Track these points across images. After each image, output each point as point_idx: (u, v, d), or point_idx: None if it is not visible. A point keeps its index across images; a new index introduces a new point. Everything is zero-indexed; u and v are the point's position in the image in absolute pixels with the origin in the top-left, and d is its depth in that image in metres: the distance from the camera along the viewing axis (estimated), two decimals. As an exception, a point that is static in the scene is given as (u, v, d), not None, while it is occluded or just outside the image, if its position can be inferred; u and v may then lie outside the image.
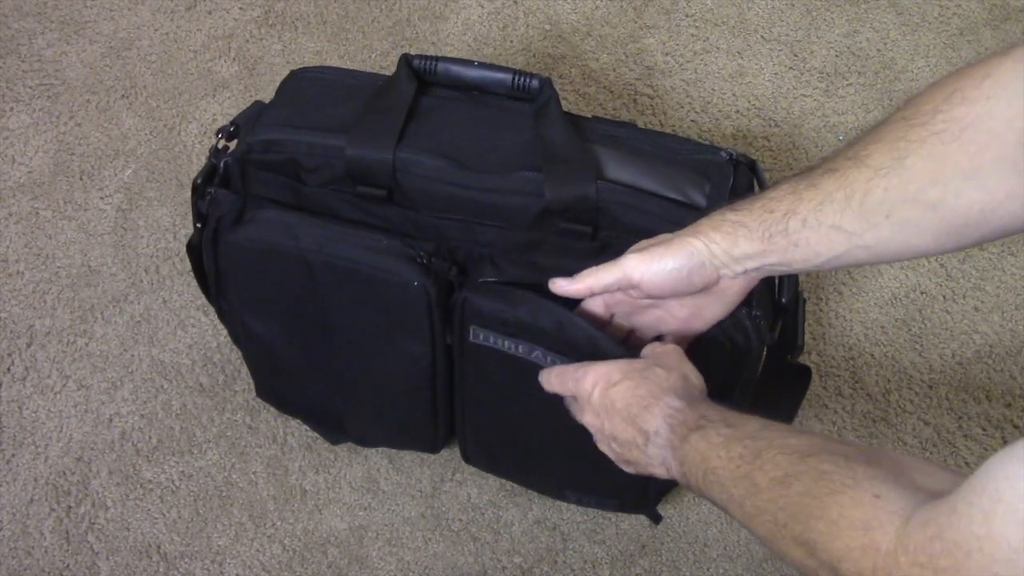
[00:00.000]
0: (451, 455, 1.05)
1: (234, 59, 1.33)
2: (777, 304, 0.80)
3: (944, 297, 1.18)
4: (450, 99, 0.84)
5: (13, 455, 1.05)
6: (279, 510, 1.03)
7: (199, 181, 0.84)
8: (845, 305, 1.17)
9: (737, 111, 1.30)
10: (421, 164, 0.79)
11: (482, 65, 0.82)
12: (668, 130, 1.28)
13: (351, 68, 0.92)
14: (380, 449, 1.05)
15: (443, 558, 1.01)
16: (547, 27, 1.38)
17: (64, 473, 1.04)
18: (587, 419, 0.74)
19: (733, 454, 0.61)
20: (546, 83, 0.81)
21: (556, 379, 0.76)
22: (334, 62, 1.32)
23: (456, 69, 0.82)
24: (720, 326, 0.75)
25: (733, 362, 0.78)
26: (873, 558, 0.48)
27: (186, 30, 1.35)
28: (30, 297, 1.13)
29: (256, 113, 0.85)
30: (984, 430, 1.08)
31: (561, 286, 0.74)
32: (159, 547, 1.01)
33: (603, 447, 0.74)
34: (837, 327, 1.15)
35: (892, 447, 1.06)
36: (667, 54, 1.36)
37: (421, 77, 0.83)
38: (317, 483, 1.04)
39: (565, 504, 1.03)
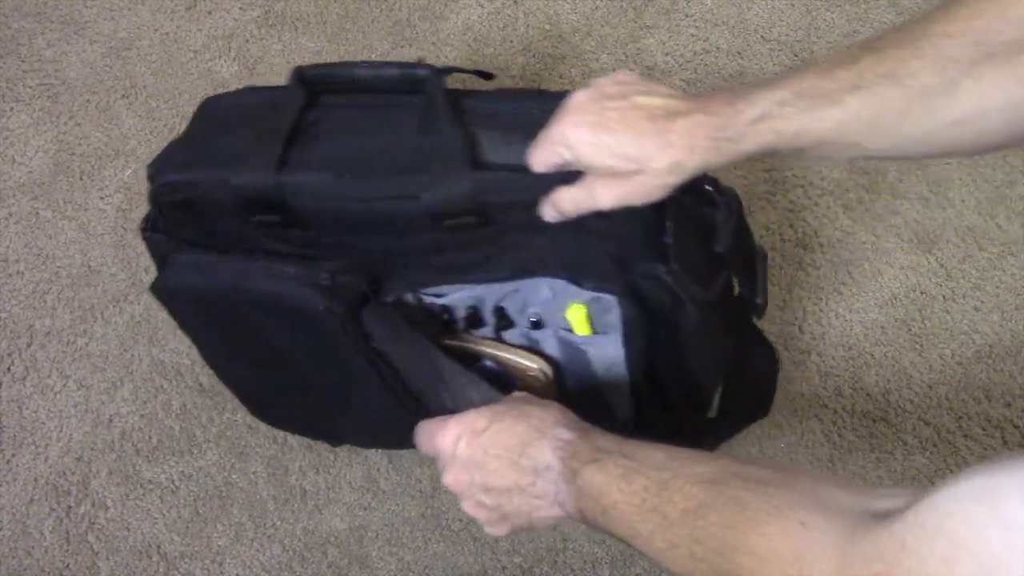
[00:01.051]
0: (451, 455, 1.05)
1: (234, 59, 1.33)
2: (713, 255, 0.73)
3: (944, 297, 1.18)
4: (341, 107, 0.79)
5: (13, 455, 1.04)
6: (279, 510, 1.03)
7: (142, 226, 0.83)
8: (845, 305, 1.17)
9: (737, 111, 1.30)
10: (308, 183, 0.74)
11: (368, 64, 0.79)
12: (668, 130, 1.28)
13: (262, 85, 0.88)
14: (380, 449, 1.05)
15: (443, 558, 1.01)
16: (547, 27, 1.38)
17: (64, 473, 1.04)
18: (450, 478, 0.67)
19: (636, 487, 0.57)
20: (431, 71, 0.76)
21: (420, 437, 0.71)
22: (333, 61, 1.32)
23: (343, 72, 0.79)
24: (638, 288, 0.72)
25: (670, 326, 0.74)
26: None
27: (186, 30, 1.35)
28: (30, 297, 1.13)
29: (168, 152, 0.82)
30: (984, 430, 1.08)
31: (547, 219, 0.70)
32: (159, 547, 1.01)
33: (470, 508, 0.67)
34: (837, 327, 1.15)
35: (892, 447, 1.06)
36: (667, 54, 1.36)
37: (313, 87, 0.79)
38: (317, 483, 1.04)
39: (565, 504, 1.03)
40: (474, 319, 0.80)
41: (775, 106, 0.60)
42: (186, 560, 1.00)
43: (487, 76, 0.82)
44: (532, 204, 0.71)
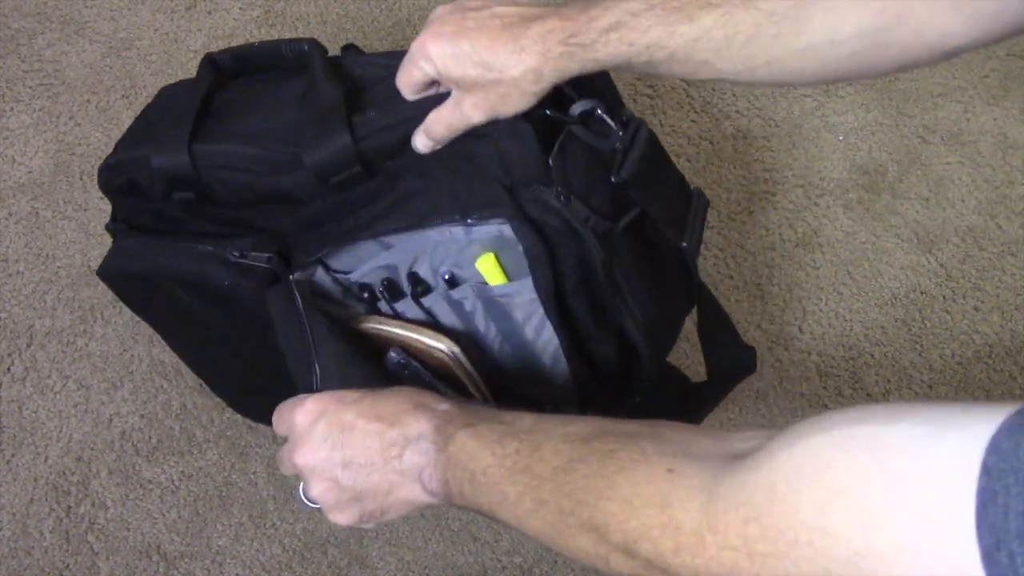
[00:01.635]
0: (451, 455, 1.05)
1: (234, 59, 1.33)
2: (618, 187, 0.71)
3: (944, 297, 1.18)
4: (246, 86, 0.81)
5: (13, 455, 1.05)
6: (279, 510, 1.03)
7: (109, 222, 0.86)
8: (845, 305, 1.17)
9: (737, 111, 1.30)
10: (211, 154, 0.76)
11: (262, 43, 0.81)
12: (667, 130, 1.28)
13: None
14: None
15: (443, 558, 1.01)
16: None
17: (64, 473, 1.04)
18: (303, 456, 0.63)
19: (509, 450, 0.56)
20: (312, 44, 0.78)
21: (276, 416, 0.68)
22: (334, 62, 1.32)
23: (242, 53, 0.81)
24: (529, 214, 0.71)
25: (573, 260, 0.72)
26: (675, 537, 0.44)
27: (186, 30, 1.35)
28: (30, 297, 1.13)
29: (119, 141, 0.85)
30: (984, 430, 1.08)
31: (420, 149, 0.70)
32: (159, 547, 1.01)
33: (319, 489, 0.63)
34: (837, 327, 1.15)
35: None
36: (667, 54, 1.36)
37: (221, 71, 0.82)
38: (317, 483, 1.04)
39: (565, 504, 1.03)
40: (392, 289, 0.79)
41: (628, 16, 0.60)
42: (186, 560, 1.00)
43: (359, 52, 0.84)
44: (408, 137, 0.71)
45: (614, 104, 0.73)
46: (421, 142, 0.70)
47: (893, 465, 0.36)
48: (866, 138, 1.29)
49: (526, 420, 0.58)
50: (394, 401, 0.63)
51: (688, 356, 1.11)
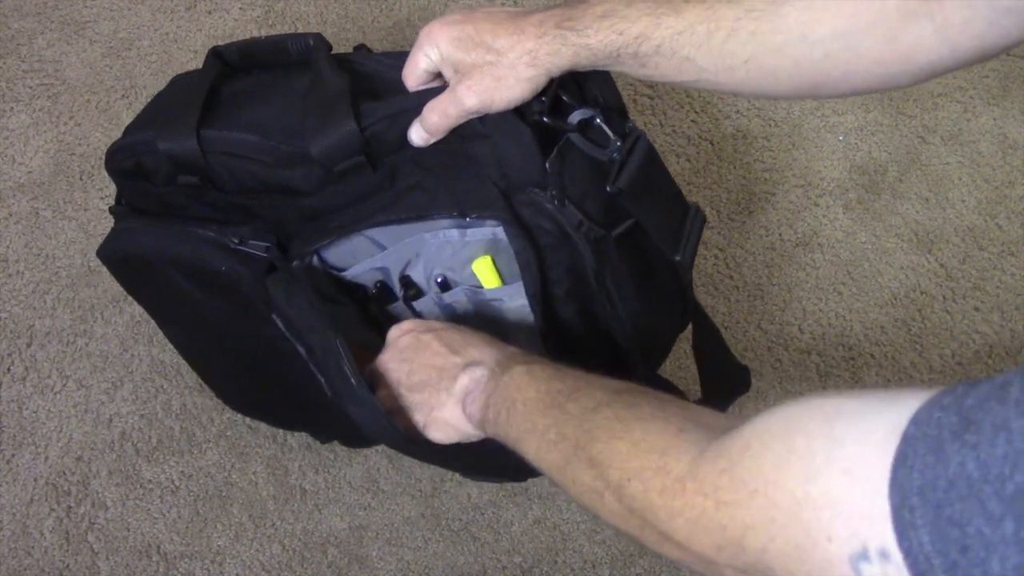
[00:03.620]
0: (451, 455, 1.05)
1: (234, 59, 1.33)
2: (614, 196, 0.71)
3: (944, 297, 1.18)
4: (254, 80, 0.82)
5: (13, 455, 1.05)
6: (279, 510, 1.03)
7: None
8: (845, 305, 1.17)
9: (737, 111, 1.30)
10: (219, 140, 0.76)
11: (269, 38, 0.82)
12: (668, 130, 1.28)
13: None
14: (380, 449, 1.05)
15: (443, 558, 1.01)
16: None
17: (64, 473, 1.04)
18: (380, 362, 0.74)
19: (552, 388, 0.61)
20: (317, 38, 0.78)
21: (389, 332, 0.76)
22: (334, 62, 1.32)
23: (248, 46, 0.82)
24: (522, 217, 0.71)
25: (565, 265, 0.73)
26: (663, 480, 0.49)
27: (186, 30, 1.35)
28: (30, 297, 1.13)
29: (127, 127, 0.85)
30: (984, 430, 1.08)
31: (416, 142, 0.71)
32: (159, 547, 1.01)
33: (382, 392, 0.72)
34: (837, 327, 1.15)
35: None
36: (667, 54, 1.36)
37: (228, 63, 0.82)
38: (317, 483, 1.04)
39: (565, 504, 1.03)
40: (384, 292, 0.80)
41: (621, 5, 0.63)
42: (186, 560, 1.00)
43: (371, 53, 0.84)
44: (406, 133, 0.71)
45: (615, 115, 0.73)
46: (416, 133, 0.71)
47: (837, 430, 0.40)
48: (866, 138, 1.29)
49: (578, 371, 0.64)
50: (470, 335, 0.71)
51: (685, 370, 1.11)
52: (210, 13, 1.36)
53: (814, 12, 0.57)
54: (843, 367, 1.12)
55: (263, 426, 1.07)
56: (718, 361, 0.85)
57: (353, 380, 0.71)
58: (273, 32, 1.35)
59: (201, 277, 0.81)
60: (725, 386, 0.86)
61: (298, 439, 1.06)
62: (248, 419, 1.07)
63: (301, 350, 0.78)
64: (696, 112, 1.30)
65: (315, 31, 1.37)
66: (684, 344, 1.03)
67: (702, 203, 1.24)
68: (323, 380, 0.76)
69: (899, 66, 0.57)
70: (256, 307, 0.80)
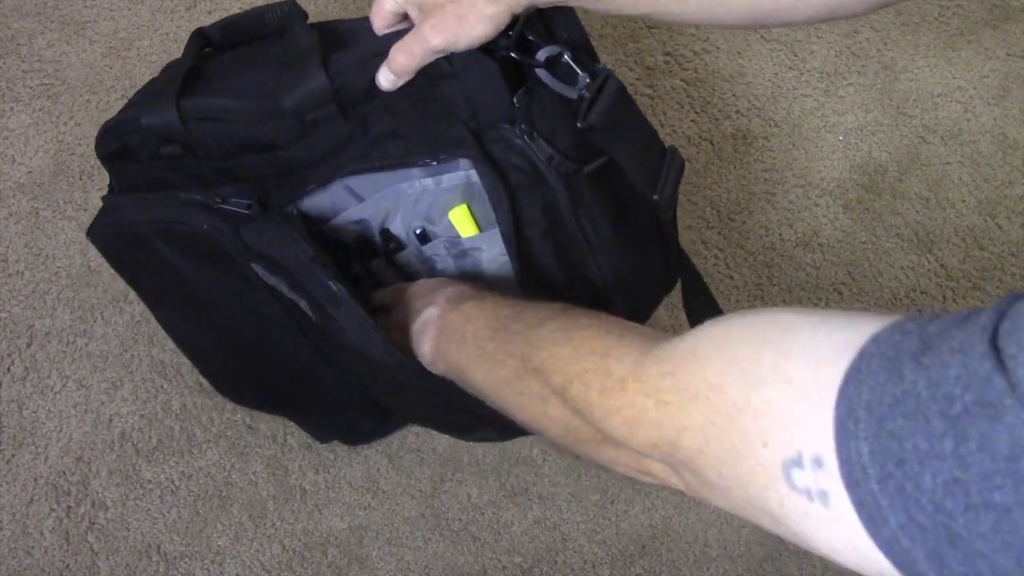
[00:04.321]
0: (451, 454, 1.05)
1: (234, 59, 1.33)
2: (577, 130, 0.70)
3: (944, 297, 1.18)
4: (236, 54, 0.83)
5: (13, 455, 1.05)
6: (279, 510, 1.03)
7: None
8: (845, 305, 1.17)
9: (737, 111, 1.30)
10: (201, 108, 0.78)
11: (247, 11, 0.83)
12: (668, 130, 1.28)
13: None
14: (380, 449, 1.05)
15: (443, 558, 1.01)
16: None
17: (64, 473, 1.04)
18: (393, 313, 0.75)
19: (501, 314, 0.64)
20: (290, 4, 0.80)
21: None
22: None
23: (228, 22, 0.83)
24: (493, 154, 0.72)
25: (539, 202, 0.73)
26: (603, 381, 0.50)
27: (186, 30, 1.35)
28: (30, 297, 1.13)
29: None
30: (984, 430, 1.08)
31: (384, 86, 0.72)
32: (159, 547, 1.01)
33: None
34: (837, 327, 1.16)
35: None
36: (667, 54, 1.36)
37: (211, 41, 0.84)
38: (317, 483, 1.04)
39: (565, 504, 1.03)
40: (364, 245, 0.80)
41: None
42: (186, 560, 1.00)
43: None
44: (379, 88, 0.72)
45: (583, 55, 0.73)
46: (384, 76, 0.71)
47: (786, 343, 0.41)
48: (866, 138, 1.29)
49: (526, 300, 0.66)
50: (428, 282, 0.74)
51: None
52: (210, 13, 1.36)
53: None
54: (843, 367, 1.12)
55: (263, 426, 1.07)
56: (703, 308, 0.84)
57: (333, 286, 0.72)
58: (273, 32, 1.36)
59: (185, 242, 0.81)
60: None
61: (298, 439, 1.06)
62: (248, 419, 1.07)
63: (283, 288, 0.78)
64: (696, 112, 1.30)
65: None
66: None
67: (702, 203, 1.24)
68: (306, 303, 0.76)
69: None
70: (239, 267, 0.80)
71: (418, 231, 0.78)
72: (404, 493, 1.04)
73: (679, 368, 0.46)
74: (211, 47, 0.84)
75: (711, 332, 0.46)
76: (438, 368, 0.70)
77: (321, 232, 0.80)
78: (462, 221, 0.76)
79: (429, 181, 0.75)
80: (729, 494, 0.43)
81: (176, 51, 1.34)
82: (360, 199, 0.78)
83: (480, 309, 0.66)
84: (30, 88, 1.28)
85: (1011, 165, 1.28)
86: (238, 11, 1.36)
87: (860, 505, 0.35)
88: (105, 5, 1.36)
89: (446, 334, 0.67)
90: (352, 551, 1.01)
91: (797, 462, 0.38)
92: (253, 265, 0.78)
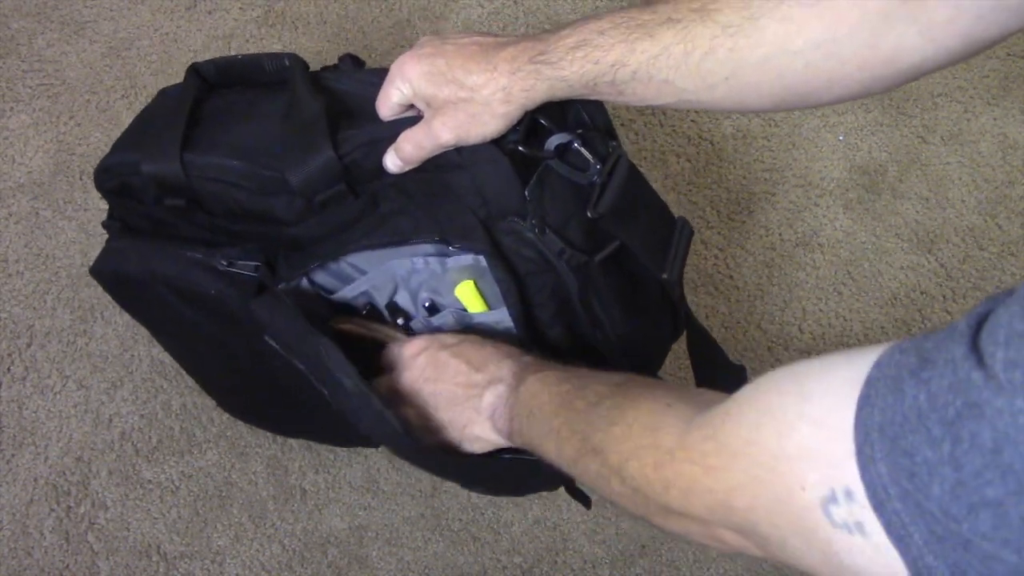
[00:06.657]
0: (451, 455, 1.05)
1: (234, 59, 1.33)
2: (595, 221, 0.70)
3: (944, 297, 1.18)
4: (233, 97, 0.81)
5: (13, 455, 1.05)
6: (279, 510, 1.03)
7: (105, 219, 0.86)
8: (845, 305, 1.17)
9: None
10: (207, 168, 0.76)
11: (244, 56, 0.81)
12: (667, 130, 1.28)
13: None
14: (380, 449, 1.05)
15: (443, 558, 1.01)
16: (547, 27, 1.38)
17: (64, 473, 1.04)
18: (403, 381, 0.74)
19: (562, 390, 0.64)
20: (292, 58, 0.78)
21: (385, 355, 0.77)
22: (333, 63, 1.32)
23: (225, 64, 0.81)
24: (503, 246, 0.71)
25: (548, 291, 0.73)
26: (654, 455, 0.51)
27: (186, 30, 1.35)
28: (30, 297, 1.13)
29: (116, 142, 0.85)
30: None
31: (391, 169, 0.71)
32: (159, 547, 1.01)
33: (423, 408, 0.74)
34: (837, 327, 1.15)
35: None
36: (667, 54, 1.36)
37: (208, 80, 0.82)
38: (317, 483, 1.04)
39: (565, 504, 1.03)
40: (374, 315, 0.80)
41: (594, 35, 0.62)
42: (186, 560, 1.00)
43: (359, 62, 0.84)
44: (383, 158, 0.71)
45: (598, 134, 0.72)
46: (391, 161, 0.70)
47: (806, 386, 0.43)
48: (866, 138, 1.29)
49: (584, 370, 0.66)
50: (485, 349, 0.72)
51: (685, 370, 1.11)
52: (210, 13, 1.36)
53: (793, 23, 0.56)
54: (843, 367, 1.12)
55: (263, 426, 1.07)
56: (714, 364, 0.85)
57: (348, 382, 0.71)
58: (273, 32, 1.35)
59: (191, 297, 0.81)
60: (722, 387, 0.86)
61: (298, 439, 1.06)
62: (237, 419, 1.07)
63: (301, 367, 0.77)
64: (696, 112, 1.30)
65: (315, 32, 1.37)
66: (684, 344, 1.03)
67: (702, 203, 1.24)
68: (326, 392, 0.75)
69: (883, 69, 0.56)
70: (247, 326, 0.79)
71: (427, 303, 0.78)
72: (404, 493, 1.04)
73: (719, 430, 0.47)
74: (206, 84, 0.82)
75: (744, 391, 0.47)
76: (514, 441, 0.70)
77: (331, 300, 0.80)
78: (469, 297, 0.75)
79: (434, 260, 0.74)
80: (787, 545, 0.43)
81: (176, 51, 1.34)
82: (362, 272, 0.77)
83: (542, 385, 0.66)
84: (30, 88, 1.28)
85: (1011, 165, 1.28)
86: (238, 11, 1.36)
87: (889, 526, 0.36)
88: (105, 5, 1.36)
89: (517, 410, 0.67)
90: (352, 551, 1.01)
91: (832, 499, 0.39)
92: (266, 338, 0.78)
